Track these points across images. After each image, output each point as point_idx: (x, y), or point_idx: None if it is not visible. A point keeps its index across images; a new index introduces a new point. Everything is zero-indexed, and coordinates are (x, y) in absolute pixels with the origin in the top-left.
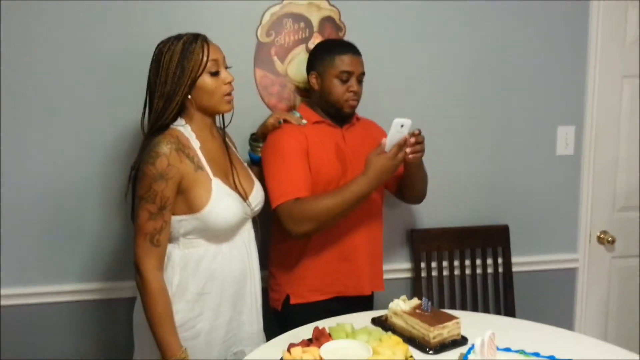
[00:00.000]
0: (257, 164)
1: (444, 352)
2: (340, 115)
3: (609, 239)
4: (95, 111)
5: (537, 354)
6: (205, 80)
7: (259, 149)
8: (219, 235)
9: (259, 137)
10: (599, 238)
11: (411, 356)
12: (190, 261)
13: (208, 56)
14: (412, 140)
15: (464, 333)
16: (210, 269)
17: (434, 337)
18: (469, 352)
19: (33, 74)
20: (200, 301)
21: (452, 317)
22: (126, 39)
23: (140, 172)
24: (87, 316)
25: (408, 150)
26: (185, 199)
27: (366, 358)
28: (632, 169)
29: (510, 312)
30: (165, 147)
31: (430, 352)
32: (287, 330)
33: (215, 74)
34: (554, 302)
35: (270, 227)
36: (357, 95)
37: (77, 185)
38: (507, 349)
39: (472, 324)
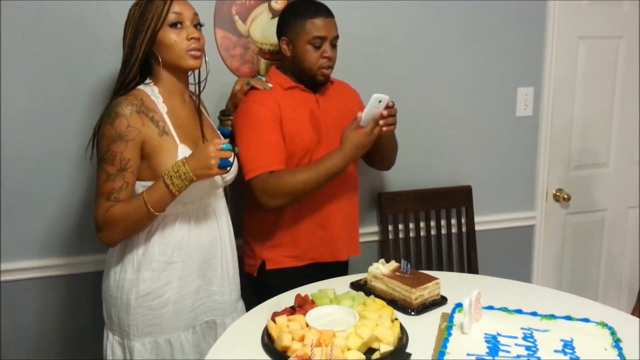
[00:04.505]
0: (228, 138)
1: (426, 313)
2: (313, 83)
3: (565, 196)
4: (50, 80)
5: (519, 311)
6: (166, 32)
7: (229, 123)
8: (186, 203)
9: (229, 110)
10: (554, 196)
11: (396, 318)
12: (155, 227)
13: (170, 8)
14: (385, 112)
15: (441, 293)
16: (176, 238)
17: (415, 299)
18: (453, 311)
19: None
20: (168, 270)
21: (432, 278)
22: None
23: (99, 133)
24: (50, 293)
25: (381, 122)
26: (149, 165)
27: (354, 323)
28: (585, 129)
29: (473, 269)
30: (125, 108)
31: (413, 313)
32: (263, 295)
33: (175, 25)
34: (513, 258)
35: (244, 196)
36: (332, 61)
37: (34, 156)
38: (490, 307)
39: (448, 284)
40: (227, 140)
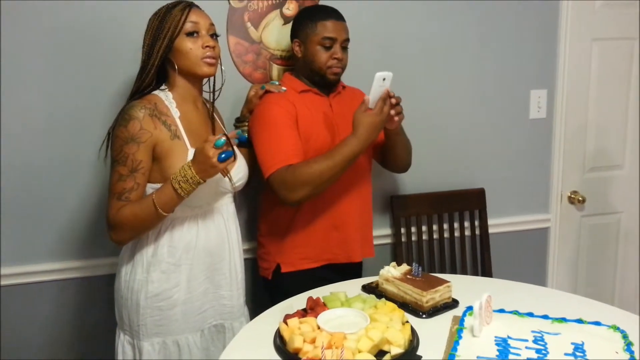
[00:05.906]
0: (244, 145)
1: (437, 316)
2: (324, 83)
3: (579, 198)
4: (67, 87)
5: (530, 314)
6: (182, 40)
7: (245, 129)
8: (194, 207)
9: (244, 117)
10: (569, 198)
11: (407, 321)
12: (164, 229)
13: (187, 17)
14: (394, 101)
15: (452, 296)
16: (185, 240)
17: (427, 302)
18: (464, 314)
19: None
20: (176, 272)
21: (443, 281)
22: (86, 6)
23: (113, 135)
24: (64, 295)
25: (392, 112)
26: (160, 168)
27: (365, 326)
28: (600, 131)
29: (487, 272)
30: (138, 111)
31: (424, 316)
32: (277, 298)
33: (191, 34)
34: (527, 261)
35: (259, 197)
36: (341, 62)
37: (49, 161)
38: (501, 310)
39: (460, 287)
40: (221, 136)
